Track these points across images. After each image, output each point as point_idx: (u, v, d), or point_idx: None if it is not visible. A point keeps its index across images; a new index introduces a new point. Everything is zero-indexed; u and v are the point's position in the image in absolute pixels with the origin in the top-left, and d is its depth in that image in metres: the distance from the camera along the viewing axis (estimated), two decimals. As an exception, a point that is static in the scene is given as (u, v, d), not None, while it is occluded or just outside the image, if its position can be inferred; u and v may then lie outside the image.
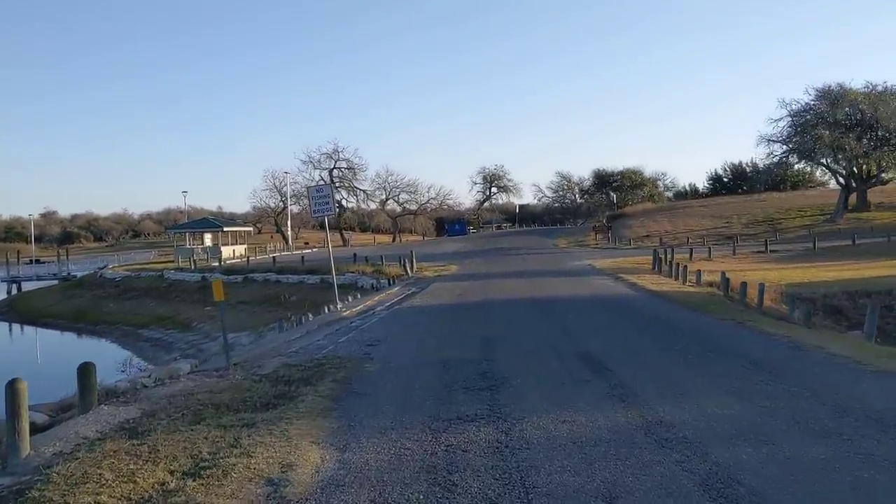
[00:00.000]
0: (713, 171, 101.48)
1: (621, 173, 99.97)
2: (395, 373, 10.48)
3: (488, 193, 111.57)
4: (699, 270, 25.38)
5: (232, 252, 62.17)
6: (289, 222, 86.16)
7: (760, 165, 74.93)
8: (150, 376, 10.76)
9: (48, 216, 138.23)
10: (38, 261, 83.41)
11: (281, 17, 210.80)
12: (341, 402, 8.70)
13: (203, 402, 8.68)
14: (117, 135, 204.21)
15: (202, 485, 5.71)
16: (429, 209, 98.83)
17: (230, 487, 5.67)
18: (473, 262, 41.86)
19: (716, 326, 14.81)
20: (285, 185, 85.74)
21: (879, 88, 58.95)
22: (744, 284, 19.88)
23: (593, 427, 7.02)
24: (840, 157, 58.09)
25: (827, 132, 56.06)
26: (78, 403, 8.79)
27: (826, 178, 76.55)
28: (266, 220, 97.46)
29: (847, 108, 58.67)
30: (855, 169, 59.89)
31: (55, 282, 61.44)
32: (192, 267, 50.90)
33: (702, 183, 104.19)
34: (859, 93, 59.17)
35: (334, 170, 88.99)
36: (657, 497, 5.19)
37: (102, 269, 59.00)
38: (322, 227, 23.97)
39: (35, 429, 7.86)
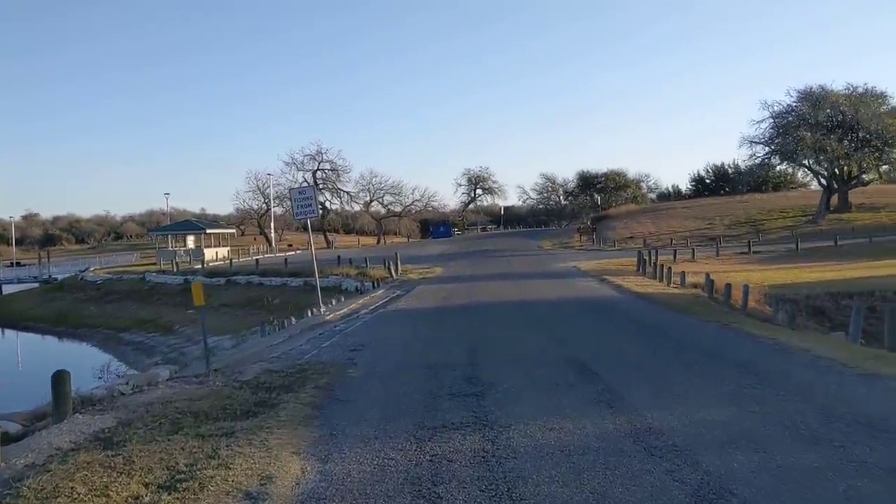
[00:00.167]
0: (696, 172, 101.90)
1: (605, 175, 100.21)
2: (379, 379, 10.30)
3: (473, 195, 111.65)
4: (683, 272, 25.37)
5: (215, 254, 61.74)
6: (272, 224, 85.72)
7: (743, 167, 75.37)
8: (127, 383, 10.53)
9: (29, 218, 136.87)
10: (18, 263, 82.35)
11: (264, 15, 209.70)
12: (323, 409, 8.52)
13: (181, 411, 8.47)
14: (99, 135, 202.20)
15: (177, 499, 5.51)
16: (413, 211, 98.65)
17: (206, 502, 5.47)
18: (458, 264, 41.72)
19: (701, 328, 14.73)
20: (268, 186, 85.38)
21: (860, 90, 59.48)
22: (728, 286, 19.88)
23: (581, 434, 6.87)
24: (822, 158, 58.45)
25: (809, 133, 56.44)
26: (52, 412, 8.55)
27: (807, 179, 77.09)
28: (249, 222, 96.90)
29: (828, 110, 59.10)
30: (836, 170, 60.27)
31: (36, 284, 60.74)
32: (175, 269, 50.44)
33: (685, 184, 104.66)
34: (840, 94, 59.63)
35: (318, 171, 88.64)
36: (648, 509, 5.05)
37: (84, 271, 58.34)
38: (306, 229, 23.70)
39: (8, 439, 7.63)
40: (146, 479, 6.00)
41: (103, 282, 51.50)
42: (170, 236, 66.44)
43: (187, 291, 35.98)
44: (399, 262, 36.31)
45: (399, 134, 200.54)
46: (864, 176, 61.55)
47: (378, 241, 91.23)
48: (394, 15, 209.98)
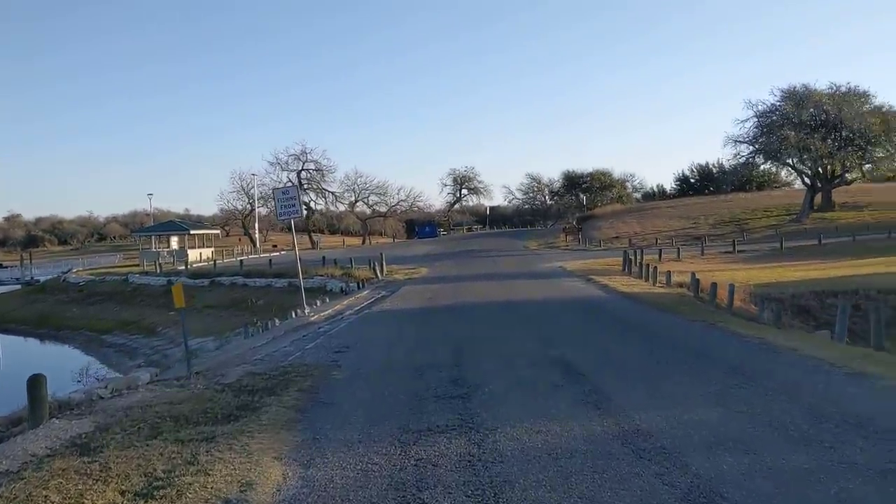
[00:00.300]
0: (680, 172, 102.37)
1: (590, 175, 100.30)
2: (363, 381, 10.16)
3: (459, 195, 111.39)
4: (669, 271, 25.36)
5: (199, 255, 61.34)
6: (256, 225, 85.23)
7: (727, 166, 75.65)
8: (106, 387, 10.31)
9: (12, 219, 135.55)
10: (0, 265, 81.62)
11: (252, 16, 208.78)
12: (307, 412, 8.37)
13: (161, 415, 8.29)
14: (82, 136, 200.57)
15: (154, 507, 5.36)
16: (399, 211, 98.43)
17: (184, 510, 5.33)
18: (444, 264, 41.59)
19: (688, 328, 14.66)
20: (252, 187, 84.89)
21: (843, 89, 59.85)
22: (714, 285, 19.88)
23: (568, 437, 6.76)
24: (805, 157, 58.78)
25: (792, 133, 56.70)
26: (28, 418, 8.35)
27: (791, 178, 77.53)
28: (234, 223, 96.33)
29: (812, 109, 59.42)
30: (820, 169, 60.60)
31: (18, 286, 60.09)
32: (158, 271, 50.09)
33: (669, 184, 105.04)
34: (824, 94, 59.98)
35: (302, 171, 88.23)
36: (637, 514, 4.95)
37: (66, 273, 57.82)
38: (290, 229, 23.47)
39: (-18, 445, 7.44)
40: (122, 487, 5.84)
41: (86, 283, 51.04)
42: (153, 237, 65.97)
43: (170, 293, 35.72)
44: (384, 263, 36.15)
45: (384, 134, 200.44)
46: (847, 175, 61.89)
47: (363, 242, 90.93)
48: (379, 19, 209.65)
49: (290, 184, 73.70)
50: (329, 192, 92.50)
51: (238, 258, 60.50)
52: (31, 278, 61.45)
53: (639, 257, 30.60)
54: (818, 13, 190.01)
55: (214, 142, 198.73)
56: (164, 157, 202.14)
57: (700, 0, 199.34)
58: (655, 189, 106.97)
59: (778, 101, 61.44)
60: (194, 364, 12.86)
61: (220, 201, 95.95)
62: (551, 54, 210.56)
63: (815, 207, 59.13)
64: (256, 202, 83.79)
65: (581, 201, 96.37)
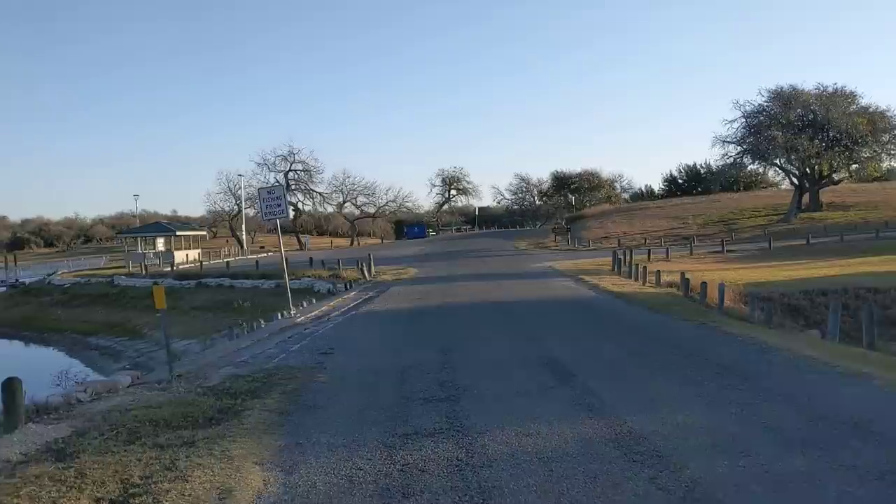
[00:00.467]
0: (668, 172, 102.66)
1: (579, 175, 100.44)
2: (348, 383, 9.94)
3: (447, 196, 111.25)
4: (658, 271, 25.25)
5: (185, 257, 60.90)
6: (243, 226, 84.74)
7: (715, 167, 75.85)
8: (85, 390, 10.06)
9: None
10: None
11: (234, 16, 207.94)
12: (290, 416, 8.15)
13: (140, 419, 8.05)
14: (68, 136, 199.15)
15: (129, 515, 5.14)
16: (387, 212, 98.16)
17: (160, 519, 5.11)
18: (433, 264, 41.40)
19: (679, 328, 14.52)
20: (240, 188, 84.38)
21: (830, 90, 60.00)
22: (704, 285, 19.77)
23: (560, 440, 6.57)
24: (793, 157, 58.89)
25: (780, 133, 56.79)
26: (2, 422, 8.10)
27: (779, 178, 77.75)
28: (222, 224, 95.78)
29: (799, 110, 59.55)
30: (808, 169, 60.73)
31: (3, 289, 59.44)
32: (144, 272, 49.68)
33: (657, 184, 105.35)
34: (811, 94, 60.13)
35: (290, 172, 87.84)
36: (632, 521, 4.76)
37: (51, 275, 57.25)
38: (276, 230, 23.19)
39: (-46, 451, 7.19)
40: (98, 494, 5.64)
41: (71, 285, 50.51)
42: (139, 239, 65.39)
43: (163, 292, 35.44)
44: (372, 264, 35.92)
45: (372, 134, 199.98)
46: (834, 175, 62.07)
47: (352, 243, 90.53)
48: (368, 18, 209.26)
49: (277, 183, 73.28)
50: (317, 192, 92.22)
51: (225, 260, 60.10)
52: (16, 280, 60.80)
53: (628, 257, 30.52)
54: (807, 13, 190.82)
55: (202, 142, 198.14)
56: (151, 159, 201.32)
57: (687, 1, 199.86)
58: (644, 189, 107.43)
59: (765, 101, 61.65)
60: (177, 367, 12.62)
61: (208, 202, 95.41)
62: (539, 55, 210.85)
63: (803, 207, 59.27)
64: (243, 203, 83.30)
65: (570, 202, 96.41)
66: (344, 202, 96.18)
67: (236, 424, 7.71)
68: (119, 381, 10.94)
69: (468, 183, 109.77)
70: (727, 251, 40.46)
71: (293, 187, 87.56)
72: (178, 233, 65.27)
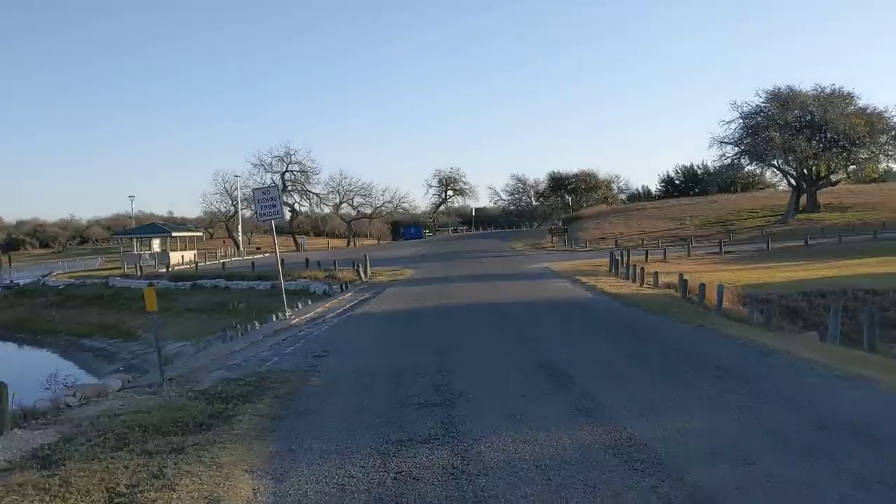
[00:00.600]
0: (665, 173, 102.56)
1: (576, 176, 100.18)
2: (342, 387, 9.77)
3: (444, 197, 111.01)
4: (656, 272, 25.15)
5: (181, 258, 60.64)
6: (239, 227, 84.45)
7: (712, 167, 75.70)
8: (74, 394, 9.88)
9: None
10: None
11: (230, 18, 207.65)
12: (282, 421, 7.97)
13: (129, 424, 7.88)
14: (63, 137, 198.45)
15: (112, 527, 4.97)
16: (384, 213, 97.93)
17: (144, 530, 4.94)
18: (429, 265, 41.24)
19: (678, 330, 14.37)
20: (236, 188, 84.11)
21: (828, 91, 59.91)
22: (702, 286, 19.65)
23: (557, 447, 6.41)
24: (790, 158, 58.78)
25: (777, 134, 56.69)
26: (-12, 428, 7.92)
27: (776, 180, 77.61)
28: (218, 225, 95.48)
29: (797, 111, 59.46)
30: (805, 170, 60.65)
31: (-2, 290, 59.24)
32: (139, 273, 49.47)
33: (654, 185, 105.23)
34: (808, 95, 60.04)
35: (286, 173, 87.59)
36: (633, 533, 4.60)
37: (46, 276, 57.04)
38: (275, 230, 23.01)
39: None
40: (82, 503, 5.46)
41: (65, 287, 50.32)
42: (135, 240, 65.05)
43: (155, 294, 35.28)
44: (368, 265, 35.79)
45: (368, 134, 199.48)
46: (832, 176, 62.00)
47: (348, 244, 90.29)
48: (363, 16, 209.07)
49: (273, 184, 73.05)
50: (313, 193, 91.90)
51: (221, 261, 59.89)
52: (11, 282, 60.54)
53: (625, 258, 30.40)
54: (806, 13, 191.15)
55: (199, 143, 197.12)
56: (148, 159, 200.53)
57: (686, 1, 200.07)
58: (641, 190, 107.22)
59: (763, 102, 61.48)
60: (169, 370, 12.45)
61: (204, 203, 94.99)
62: (536, 54, 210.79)
63: (801, 209, 59.16)
64: (240, 204, 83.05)
65: (567, 202, 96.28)
66: (340, 203, 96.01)
67: (227, 430, 7.54)
68: (109, 384, 10.78)
69: (465, 184, 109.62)
70: (725, 252, 40.34)
71: (290, 188, 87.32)
72: (173, 234, 64.98)
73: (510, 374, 9.97)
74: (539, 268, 34.79)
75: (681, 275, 22.32)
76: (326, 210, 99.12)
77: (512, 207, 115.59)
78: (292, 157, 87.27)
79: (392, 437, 7.01)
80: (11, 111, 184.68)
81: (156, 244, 63.06)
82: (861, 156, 59.29)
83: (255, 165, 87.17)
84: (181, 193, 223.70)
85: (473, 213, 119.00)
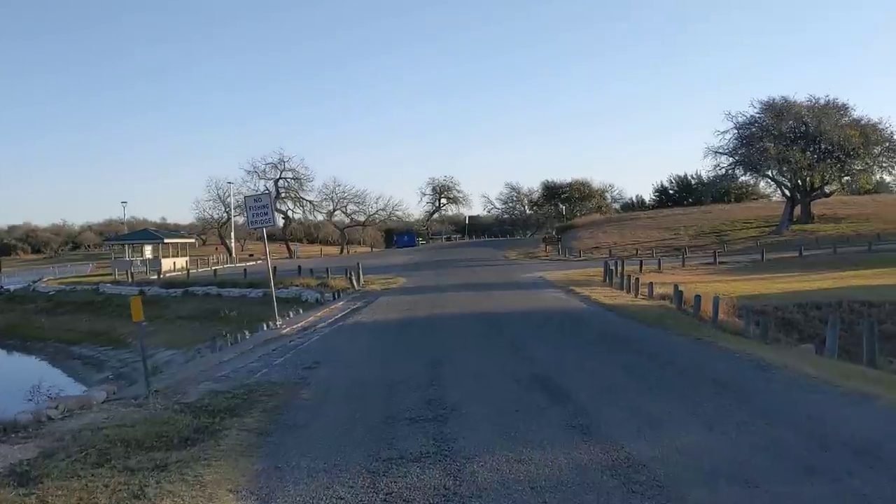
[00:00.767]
0: (659, 183, 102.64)
1: (570, 185, 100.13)
2: (332, 401, 9.54)
3: (438, 205, 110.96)
4: (651, 283, 25.00)
5: (173, 264, 60.35)
6: (232, 234, 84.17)
7: (706, 177, 75.74)
8: (57, 407, 9.62)
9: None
10: (-30, 274, 79.86)
11: (227, 23, 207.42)
12: (269, 437, 7.74)
13: (112, 439, 7.63)
14: (57, 142, 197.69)
15: (87, 552, 4.74)
16: (377, 220, 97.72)
17: (120, 556, 4.71)
18: (422, 274, 41.06)
19: (674, 343, 14.19)
20: (229, 195, 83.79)
21: (822, 102, 60.05)
22: (698, 298, 19.46)
23: (553, 467, 6.19)
24: (785, 169, 58.85)
25: (772, 145, 56.73)
26: (-35, 443, 7.68)
27: (770, 190, 77.73)
28: (211, 232, 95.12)
29: (791, 121, 59.55)
30: (799, 181, 60.69)
31: (-13, 295, 58.77)
32: (130, 280, 49.20)
33: (648, 195, 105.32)
34: (803, 106, 60.14)
35: (280, 180, 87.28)
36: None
37: (36, 282, 56.68)
38: (268, 238, 22.76)
39: None
40: (57, 526, 5.24)
41: (56, 293, 50.05)
42: (127, 246, 64.79)
43: (142, 303, 34.98)
44: (361, 273, 35.60)
45: (363, 141, 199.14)
46: (826, 187, 62.04)
47: (341, 251, 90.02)
48: (360, 23, 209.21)
49: (266, 191, 72.78)
50: (307, 200, 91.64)
51: (213, 268, 59.59)
52: (1, 287, 60.15)
53: (620, 268, 30.26)
54: (800, 25, 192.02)
55: (193, 149, 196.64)
56: (142, 165, 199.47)
57: (681, 20, 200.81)
58: (635, 200, 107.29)
59: (757, 112, 61.63)
60: (156, 381, 12.23)
61: (197, 210, 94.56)
62: (532, 64, 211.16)
63: (795, 219, 59.18)
64: (232, 211, 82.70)
65: (560, 211, 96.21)
66: (334, 210, 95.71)
67: (212, 446, 7.30)
68: (93, 396, 10.52)
69: (459, 192, 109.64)
70: (719, 263, 40.26)
71: (283, 195, 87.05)
72: (165, 240, 64.73)
73: (504, 387, 9.77)
74: (533, 277, 34.63)
75: (676, 286, 22.17)
76: (320, 217, 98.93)
77: (506, 216, 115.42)
78: (286, 164, 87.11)
79: (382, 454, 6.78)
80: (4, 114, 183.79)
81: (148, 250, 62.78)
82: (855, 167, 59.41)
83: (249, 172, 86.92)
84: (175, 200, 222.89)
85: (467, 222, 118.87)
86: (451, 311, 21.63)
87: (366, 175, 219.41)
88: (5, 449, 7.58)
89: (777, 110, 60.12)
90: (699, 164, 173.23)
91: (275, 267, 32.53)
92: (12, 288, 57.93)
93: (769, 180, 66.41)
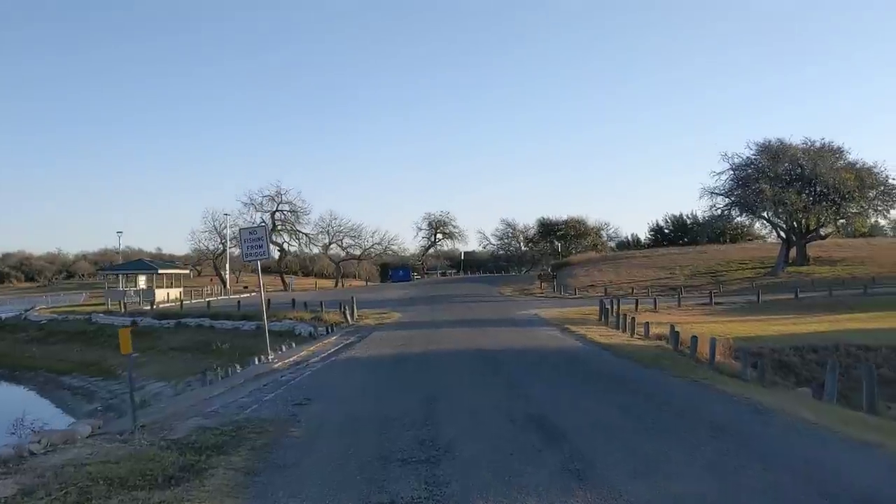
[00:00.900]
0: (655, 222, 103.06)
1: (566, 222, 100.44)
2: (322, 439, 9.33)
3: (433, 239, 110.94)
4: (647, 322, 24.86)
5: (166, 295, 60.00)
6: (227, 265, 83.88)
7: (701, 217, 75.94)
8: (40, 441, 9.39)
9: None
10: (-39, 302, 79.34)
11: (225, 61, 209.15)
12: (257, 476, 7.52)
13: (94, 476, 7.41)
14: (54, 171, 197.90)
15: None
16: (373, 254, 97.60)
17: None
18: (417, 309, 40.86)
19: (671, 384, 14.01)
20: (225, 227, 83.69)
21: (818, 144, 60.44)
22: (694, 339, 19.33)
23: (548, 515, 6.01)
24: (780, 210, 58.98)
25: (768, 186, 56.94)
26: (-58, 478, 7.45)
27: (765, 231, 77.92)
28: (206, 263, 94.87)
29: (787, 164, 59.86)
30: (795, 223, 60.84)
31: (-22, 324, 58.27)
32: (123, 310, 48.89)
33: (644, 233, 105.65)
34: (798, 148, 60.51)
35: (276, 212, 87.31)
36: None
37: (28, 310, 56.29)
38: (263, 270, 22.58)
39: None
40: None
41: (47, 322, 49.66)
42: (121, 276, 64.51)
43: (134, 334, 34.69)
44: (355, 307, 35.39)
45: (360, 174, 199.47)
46: (821, 230, 62.19)
47: (336, 285, 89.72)
48: (358, 53, 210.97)
49: (262, 223, 72.72)
50: (303, 233, 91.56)
51: (207, 299, 59.28)
52: (-7, 315, 59.73)
53: (615, 307, 30.13)
54: (796, 78, 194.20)
55: (191, 180, 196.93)
56: (140, 195, 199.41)
57: (677, 60, 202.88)
58: (630, 238, 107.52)
59: (753, 154, 61.94)
60: (144, 415, 11.99)
61: (192, 241, 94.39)
62: (528, 101, 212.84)
63: (791, 261, 59.22)
64: (228, 242, 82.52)
65: (556, 248, 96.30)
66: (330, 243, 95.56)
67: (197, 486, 7.09)
68: (78, 430, 10.28)
69: (454, 227, 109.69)
70: (715, 303, 40.13)
71: (279, 227, 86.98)
72: (160, 270, 64.43)
73: (499, 428, 9.57)
74: (528, 314, 34.47)
75: (672, 326, 22.04)
76: (315, 250, 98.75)
77: (501, 252, 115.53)
78: (283, 196, 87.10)
79: (372, 498, 6.58)
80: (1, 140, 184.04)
81: (142, 281, 62.47)
82: (851, 210, 59.51)
83: (246, 204, 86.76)
84: (171, 230, 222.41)
85: (462, 257, 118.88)
86: (446, 347, 21.43)
87: (362, 208, 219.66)
88: (-16, 485, 7.36)
89: (773, 152, 60.46)
90: (695, 204, 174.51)
91: (269, 300, 32.33)
92: (4, 316, 57.43)
93: (765, 221, 66.57)
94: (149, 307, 51.05)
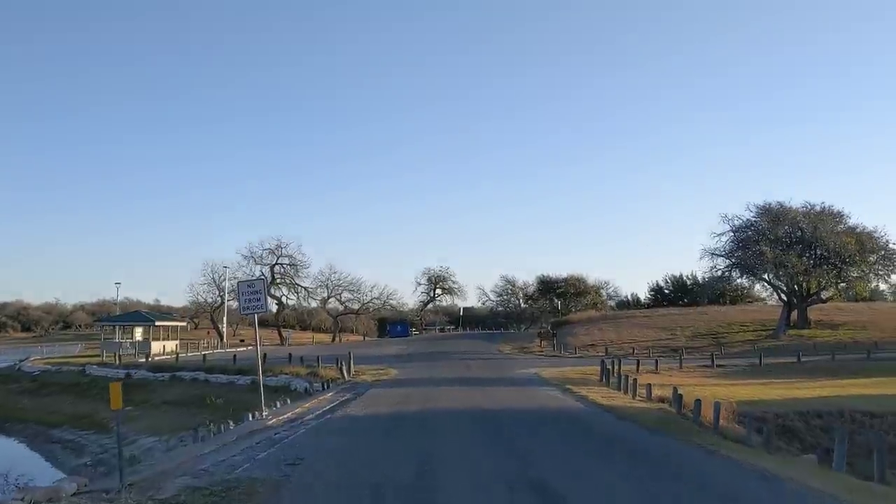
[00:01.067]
0: (654, 282, 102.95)
1: (565, 280, 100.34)
2: (315, 502, 8.99)
3: (432, 295, 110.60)
4: (649, 384, 24.48)
5: (162, 348, 59.51)
6: (224, 318, 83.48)
7: (701, 278, 75.84)
8: (23, 498, 9.06)
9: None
10: (-45, 352, 78.71)
11: (226, 120, 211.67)
12: (245, 542, 7.21)
13: (75, 539, 7.11)
14: (54, 222, 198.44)
15: None
16: (371, 309, 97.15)
17: None
18: (415, 366, 40.42)
19: (675, 449, 13.66)
20: (224, 279, 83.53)
21: (818, 208, 60.63)
22: (698, 402, 18.95)
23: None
24: (781, 273, 58.82)
25: (768, 248, 56.93)
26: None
27: (766, 294, 77.65)
28: (204, 316, 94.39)
29: (787, 227, 59.99)
30: (796, 286, 60.65)
31: (-28, 375, 57.62)
32: (117, 362, 48.39)
33: (643, 293, 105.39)
34: (798, 212, 60.69)
35: (276, 265, 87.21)
36: None
37: (23, 361, 55.72)
38: (260, 323, 22.31)
39: None
40: None
41: (41, 373, 49.08)
42: (118, 327, 64.02)
43: (128, 387, 34.22)
44: (352, 362, 35.00)
45: (360, 228, 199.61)
46: (822, 293, 61.99)
47: (333, 339, 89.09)
48: (363, 117, 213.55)
49: (262, 276, 72.57)
50: (302, 287, 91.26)
51: (202, 352, 58.78)
52: (-13, 366, 59.13)
53: (617, 367, 29.77)
54: (795, 135, 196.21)
55: (191, 233, 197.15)
56: (139, 247, 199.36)
57: (678, 118, 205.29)
58: (630, 297, 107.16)
59: (754, 216, 62.10)
60: (133, 472, 11.65)
61: (191, 294, 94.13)
62: (529, 159, 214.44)
63: (792, 324, 58.88)
64: (226, 295, 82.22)
65: (556, 306, 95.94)
66: (328, 297, 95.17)
67: (183, 551, 6.78)
68: (63, 488, 9.93)
69: (454, 283, 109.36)
70: (717, 366, 39.69)
71: (278, 281, 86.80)
72: (157, 323, 64.00)
73: (499, 495, 9.23)
74: (528, 373, 34.07)
75: (675, 388, 21.66)
76: (314, 304, 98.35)
77: (500, 308, 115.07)
78: (283, 249, 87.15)
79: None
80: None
81: (138, 332, 62.03)
82: (852, 274, 59.43)
83: (246, 257, 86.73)
84: (169, 282, 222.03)
85: (461, 313, 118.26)
86: (444, 406, 21.06)
87: (361, 262, 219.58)
88: (-39, 545, 7.05)
89: (773, 215, 60.63)
90: (695, 265, 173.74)
91: (265, 354, 32.01)
92: (-1, 366, 56.97)
93: (765, 283, 66.33)
94: (144, 359, 50.53)
